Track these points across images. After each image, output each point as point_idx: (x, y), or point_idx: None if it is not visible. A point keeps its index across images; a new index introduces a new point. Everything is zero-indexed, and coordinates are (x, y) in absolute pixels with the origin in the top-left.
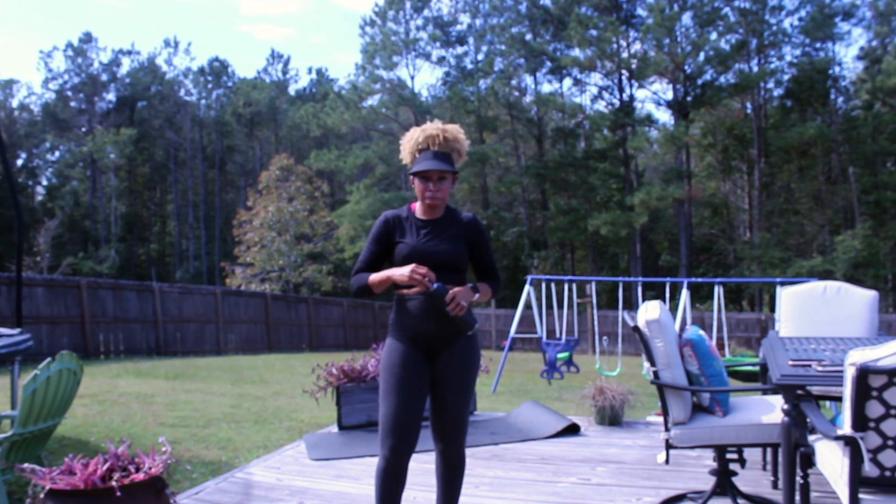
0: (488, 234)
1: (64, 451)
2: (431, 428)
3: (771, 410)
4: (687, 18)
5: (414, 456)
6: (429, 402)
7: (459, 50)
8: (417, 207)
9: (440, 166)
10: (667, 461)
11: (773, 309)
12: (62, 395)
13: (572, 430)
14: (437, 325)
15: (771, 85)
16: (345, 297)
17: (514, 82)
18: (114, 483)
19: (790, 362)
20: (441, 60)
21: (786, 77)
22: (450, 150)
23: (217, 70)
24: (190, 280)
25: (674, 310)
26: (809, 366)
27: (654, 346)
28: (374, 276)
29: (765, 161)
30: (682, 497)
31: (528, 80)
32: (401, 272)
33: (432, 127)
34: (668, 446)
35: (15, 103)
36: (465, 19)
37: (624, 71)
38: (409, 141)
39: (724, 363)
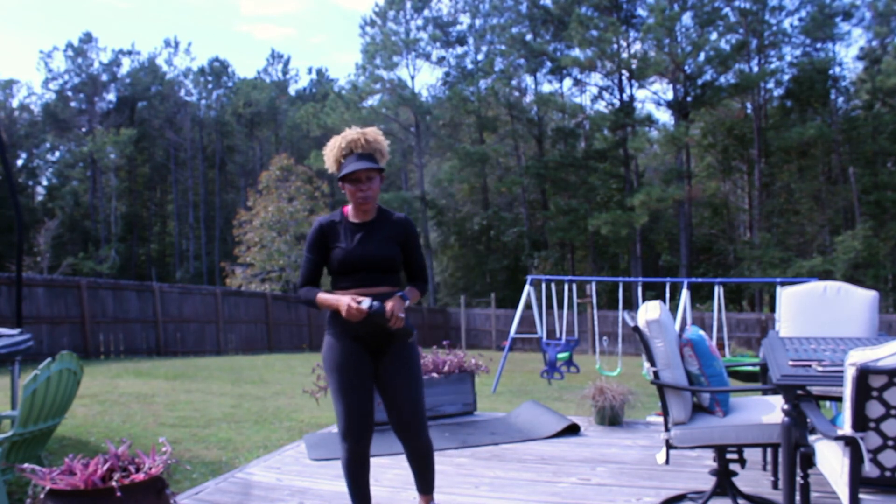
0: (418, 234)
1: (64, 451)
2: (392, 425)
3: (771, 410)
4: (687, 18)
5: None
6: (382, 402)
7: (459, 50)
8: (350, 211)
9: (366, 165)
10: (667, 461)
11: (773, 309)
12: (62, 395)
13: (572, 430)
14: (378, 326)
15: (771, 85)
16: None
17: (514, 82)
18: (114, 483)
19: (790, 362)
20: (441, 60)
21: (786, 77)
22: (372, 151)
23: (217, 70)
24: (190, 280)
25: (674, 310)
26: (809, 366)
27: (654, 347)
28: (322, 298)
29: (765, 161)
30: (682, 497)
31: (529, 80)
32: (342, 308)
33: (352, 132)
34: (668, 446)
35: (15, 103)
36: (465, 19)
37: (624, 71)
38: (332, 149)
39: (724, 363)
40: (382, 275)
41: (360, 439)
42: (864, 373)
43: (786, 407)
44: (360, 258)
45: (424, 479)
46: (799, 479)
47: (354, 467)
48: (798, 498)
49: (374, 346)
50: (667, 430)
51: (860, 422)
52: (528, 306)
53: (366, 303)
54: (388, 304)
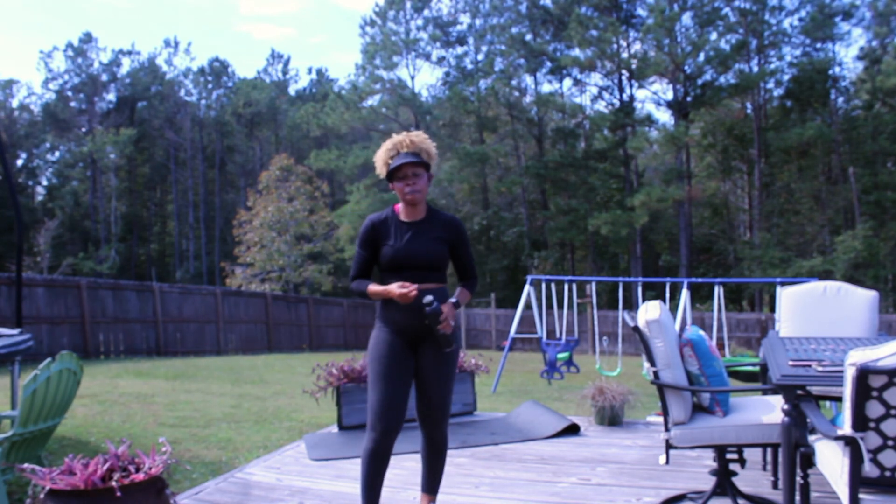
0: (468, 234)
1: (64, 451)
2: (418, 414)
3: (771, 410)
4: (687, 18)
5: (414, 457)
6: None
7: (459, 50)
8: (401, 209)
9: (411, 159)
10: (667, 461)
11: (773, 309)
12: (62, 395)
13: (572, 430)
14: (419, 320)
15: (771, 85)
16: (345, 297)
17: (514, 82)
18: (114, 483)
19: (790, 362)
20: (441, 60)
21: (786, 77)
22: (418, 151)
23: (217, 70)
24: (190, 280)
25: (674, 310)
26: (809, 366)
27: (654, 347)
28: (373, 289)
29: (765, 161)
30: (682, 497)
31: (528, 80)
32: (394, 293)
33: (399, 136)
34: (668, 446)
35: (15, 103)
36: (465, 19)
37: (624, 71)
38: (381, 153)
39: (724, 363)
40: (429, 273)
41: (389, 431)
42: (864, 373)
43: (786, 407)
44: (409, 256)
45: (433, 475)
46: (799, 479)
47: (376, 459)
48: (798, 498)
49: (416, 338)
50: (667, 430)
51: (860, 422)
52: (528, 306)
53: (427, 298)
54: (445, 308)
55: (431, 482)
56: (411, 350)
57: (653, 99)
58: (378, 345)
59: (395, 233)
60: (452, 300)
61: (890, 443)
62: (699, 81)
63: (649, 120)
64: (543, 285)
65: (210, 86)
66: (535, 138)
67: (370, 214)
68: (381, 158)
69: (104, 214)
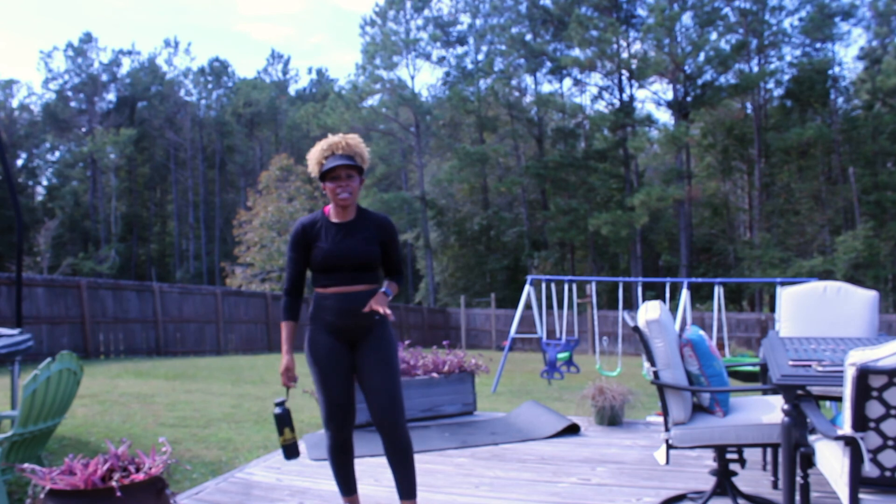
0: (398, 232)
1: (64, 451)
2: (372, 418)
3: (771, 410)
4: (687, 18)
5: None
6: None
7: (459, 50)
8: (331, 211)
9: (346, 161)
10: (667, 461)
11: (773, 309)
12: (62, 395)
13: (572, 430)
14: (352, 321)
15: (771, 85)
16: None
17: (514, 82)
18: (114, 483)
19: (790, 362)
20: (441, 60)
21: (786, 77)
22: (353, 154)
23: (217, 70)
24: (190, 280)
25: (674, 310)
26: (809, 366)
27: (654, 347)
28: (284, 335)
29: (765, 161)
30: (682, 497)
31: (528, 80)
32: (281, 369)
33: (335, 137)
34: (668, 446)
35: (15, 103)
36: (465, 19)
37: (624, 71)
38: (316, 152)
39: (724, 363)
40: (362, 273)
41: (342, 428)
42: (864, 373)
43: (786, 407)
44: (341, 257)
45: (406, 479)
46: (799, 479)
47: (338, 453)
48: (798, 498)
49: (351, 338)
50: (667, 430)
51: (860, 422)
52: (528, 306)
53: (278, 409)
54: (377, 297)
55: (406, 487)
56: (348, 349)
57: (653, 99)
58: (314, 347)
59: (326, 234)
60: (383, 290)
61: (890, 443)
62: (699, 81)
63: (649, 120)
64: (543, 285)
65: (210, 86)
66: (535, 138)
67: (300, 218)
68: (314, 158)
69: (104, 214)
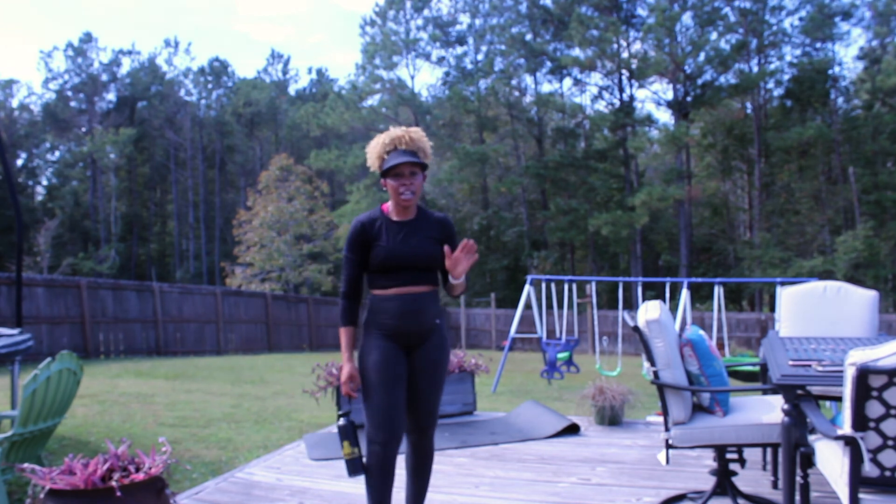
0: (457, 232)
1: (64, 451)
2: (407, 417)
3: (771, 410)
4: (687, 18)
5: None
6: None
7: (459, 50)
8: (390, 209)
9: (410, 158)
10: (667, 461)
11: (773, 309)
12: (62, 395)
13: (572, 430)
14: (413, 324)
15: (771, 85)
16: None
17: (514, 82)
18: (114, 483)
19: (790, 362)
20: (441, 60)
21: (786, 77)
22: (416, 149)
23: (217, 70)
24: (190, 280)
25: (674, 310)
26: (809, 366)
27: (654, 346)
28: (343, 341)
29: (765, 161)
30: (682, 497)
31: (528, 80)
32: (343, 378)
33: (397, 130)
34: (668, 446)
35: (15, 103)
36: (464, 19)
37: (624, 71)
38: (376, 146)
39: (724, 363)
40: (422, 273)
41: (390, 442)
42: (864, 373)
43: (786, 407)
44: (402, 256)
45: (420, 489)
46: (799, 479)
47: (379, 471)
48: (798, 498)
49: (409, 343)
50: (667, 429)
51: (860, 422)
52: (527, 306)
53: (342, 420)
54: (455, 254)
55: (418, 493)
56: (404, 355)
57: (653, 99)
58: (371, 351)
59: (387, 233)
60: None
61: (890, 443)
62: (699, 81)
63: (649, 120)
64: (543, 285)
65: (210, 86)
66: (535, 138)
67: (356, 216)
68: (374, 152)
69: (104, 214)
